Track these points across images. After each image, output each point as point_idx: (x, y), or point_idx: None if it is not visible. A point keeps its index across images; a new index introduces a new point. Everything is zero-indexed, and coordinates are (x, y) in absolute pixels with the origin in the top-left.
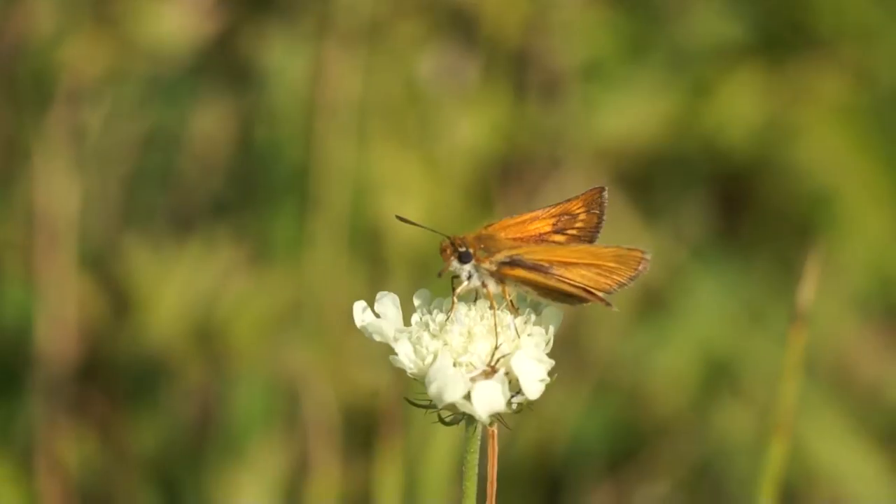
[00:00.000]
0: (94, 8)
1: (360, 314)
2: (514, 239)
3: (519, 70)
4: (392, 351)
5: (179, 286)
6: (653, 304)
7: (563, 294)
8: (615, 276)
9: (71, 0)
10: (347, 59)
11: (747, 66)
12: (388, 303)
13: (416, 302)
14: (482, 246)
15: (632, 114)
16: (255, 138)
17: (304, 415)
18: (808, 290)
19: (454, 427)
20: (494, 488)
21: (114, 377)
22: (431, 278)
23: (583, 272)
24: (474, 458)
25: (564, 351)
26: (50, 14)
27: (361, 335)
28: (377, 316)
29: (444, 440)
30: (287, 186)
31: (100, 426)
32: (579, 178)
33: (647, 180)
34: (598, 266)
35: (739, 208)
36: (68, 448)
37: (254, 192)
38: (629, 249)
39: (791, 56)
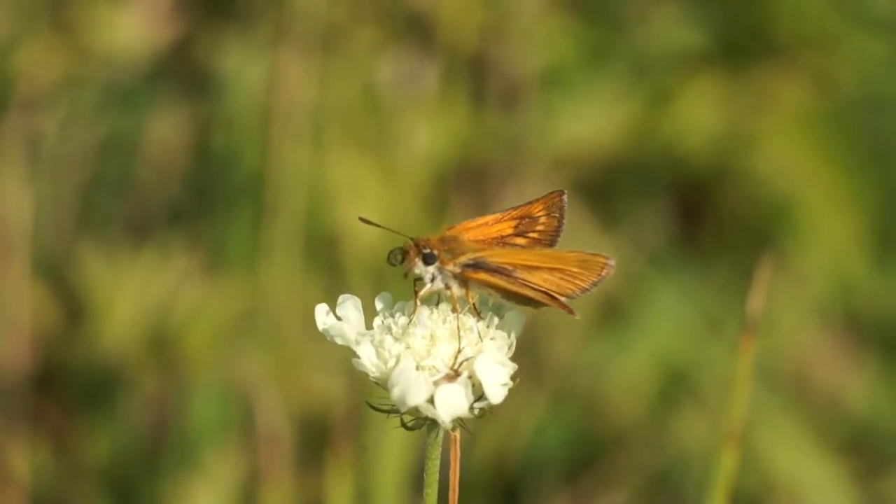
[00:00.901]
0: (51, 14)
1: (323, 317)
2: (477, 241)
3: (478, 77)
4: (354, 354)
5: (134, 294)
6: (611, 312)
7: (526, 298)
8: (578, 281)
9: (27, 6)
10: (304, 65)
11: (707, 73)
12: (349, 306)
13: (378, 305)
14: (446, 248)
15: (591, 121)
16: (211, 145)
17: (257, 424)
18: (759, 300)
19: (408, 435)
20: (457, 495)
21: (68, 386)
22: (389, 285)
23: (546, 276)
24: (436, 465)
25: (522, 358)
26: (5, 20)
27: (318, 343)
28: (339, 319)
29: (398, 449)
30: (243, 193)
31: (54, 435)
32: (538, 186)
33: (607, 188)
34: (561, 270)
35: (699, 216)
36: (22, 457)
37: (210, 199)
38: (593, 255)
39: (751, 63)
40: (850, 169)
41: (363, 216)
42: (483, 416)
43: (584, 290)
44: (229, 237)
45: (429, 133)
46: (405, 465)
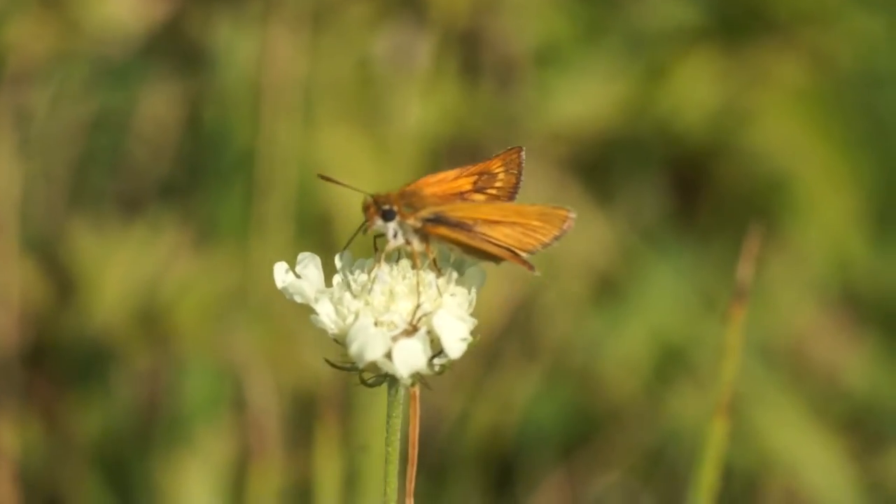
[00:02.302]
0: None
1: (282, 275)
2: (437, 196)
3: (471, 53)
4: (313, 311)
5: (124, 269)
6: (607, 288)
7: (487, 253)
8: (539, 236)
9: None
10: (296, 41)
11: (703, 49)
12: (309, 264)
13: (338, 263)
14: (406, 202)
15: (586, 97)
16: (203, 121)
17: (248, 400)
18: (748, 268)
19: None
20: (416, 451)
21: (58, 362)
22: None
23: (507, 231)
24: (397, 422)
25: (516, 335)
26: None
27: (307, 318)
28: (298, 277)
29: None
30: (235, 169)
31: (44, 411)
32: (533, 162)
33: (603, 164)
34: (522, 225)
35: (695, 192)
36: (13, 434)
37: (201, 175)
38: (554, 208)
39: (747, 40)
40: (848, 145)
41: (322, 174)
42: (443, 373)
43: (545, 245)
44: (220, 213)
45: (421, 109)
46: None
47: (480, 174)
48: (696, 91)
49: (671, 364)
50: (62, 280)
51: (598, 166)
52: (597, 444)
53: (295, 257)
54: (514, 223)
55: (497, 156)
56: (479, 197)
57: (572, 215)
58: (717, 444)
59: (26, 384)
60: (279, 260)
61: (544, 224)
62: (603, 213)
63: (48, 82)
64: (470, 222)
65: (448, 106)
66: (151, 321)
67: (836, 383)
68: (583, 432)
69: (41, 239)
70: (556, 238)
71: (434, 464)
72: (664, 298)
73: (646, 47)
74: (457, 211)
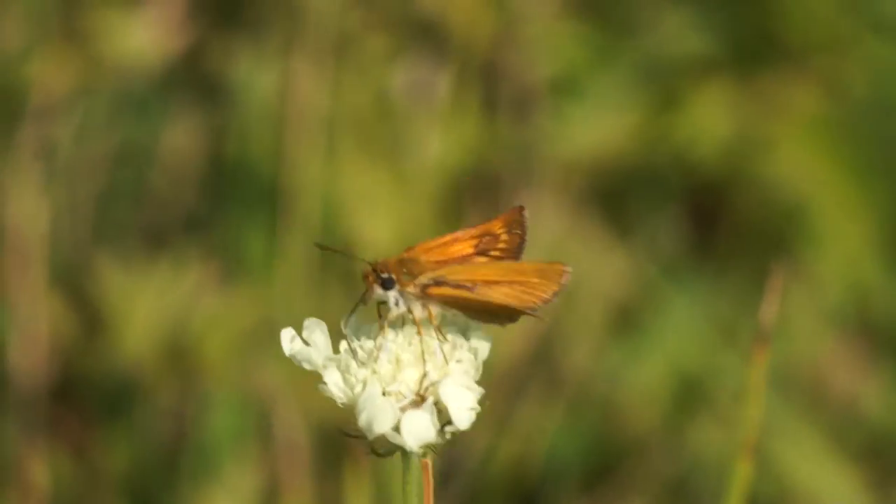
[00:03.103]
0: (63, 23)
1: (289, 343)
2: (437, 262)
3: (489, 84)
4: (321, 381)
5: (151, 303)
6: (626, 320)
7: (490, 311)
8: (538, 292)
9: (39, 16)
10: (317, 73)
11: (718, 78)
12: (316, 330)
13: (345, 330)
14: (404, 270)
15: (602, 127)
16: (225, 154)
17: (275, 434)
18: (771, 309)
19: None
20: None
21: (86, 396)
22: None
23: (506, 290)
24: (411, 491)
25: (538, 368)
26: (18, 30)
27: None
28: (306, 344)
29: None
30: (258, 202)
31: (73, 445)
32: (551, 192)
33: (620, 194)
34: (521, 283)
35: (712, 222)
36: (41, 467)
37: (225, 208)
38: (550, 263)
39: (762, 68)
40: (863, 174)
41: (319, 242)
42: (453, 440)
43: (546, 301)
44: (245, 246)
45: (441, 141)
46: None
47: (482, 236)
48: (711, 120)
49: (691, 395)
50: (89, 314)
51: (615, 196)
52: (619, 476)
53: (319, 290)
54: (512, 282)
55: (498, 216)
56: (481, 260)
57: (568, 269)
58: (743, 483)
59: (54, 418)
60: (303, 292)
61: (543, 280)
62: (621, 244)
63: (71, 116)
64: (469, 284)
65: (467, 138)
66: (178, 355)
67: (854, 412)
68: (605, 463)
69: (68, 273)
70: (556, 294)
71: (459, 497)
72: (683, 329)
73: (660, 76)
74: (455, 274)
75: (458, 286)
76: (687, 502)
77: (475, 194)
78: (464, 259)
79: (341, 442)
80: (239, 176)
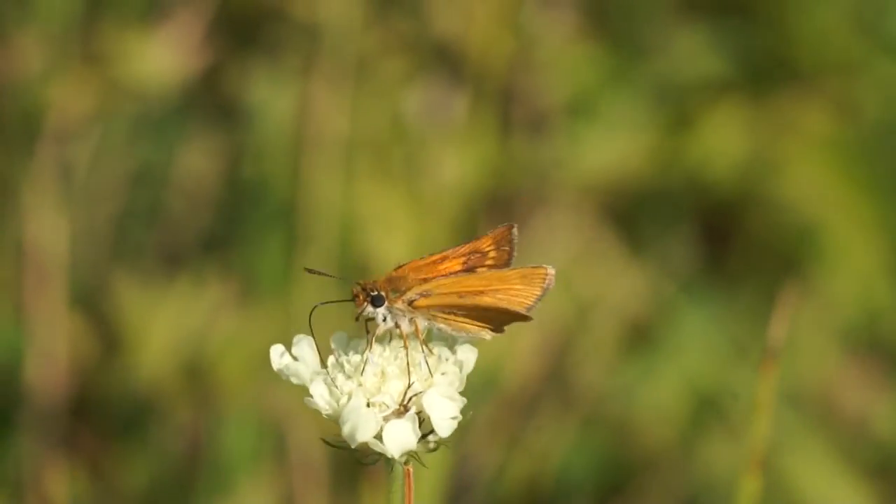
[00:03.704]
0: (82, 46)
1: (278, 358)
2: (424, 279)
3: (504, 106)
4: (308, 393)
5: (168, 323)
6: (639, 337)
7: (478, 318)
8: (522, 298)
9: (58, 39)
10: (334, 95)
11: (730, 99)
12: (304, 346)
13: (333, 345)
14: (392, 287)
15: (616, 148)
16: (242, 175)
17: (290, 452)
18: (781, 327)
19: (440, 458)
20: None
21: (104, 414)
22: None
23: (489, 300)
24: (397, 498)
25: (551, 385)
26: (37, 53)
27: None
28: (295, 359)
29: (430, 472)
30: (275, 222)
31: (91, 462)
32: (565, 212)
33: (633, 214)
34: (505, 291)
35: (725, 241)
36: (59, 485)
37: (242, 228)
38: (533, 268)
39: (774, 89)
40: (875, 194)
41: (309, 267)
42: (436, 450)
43: (530, 307)
44: (262, 266)
45: (457, 162)
46: (438, 489)
47: (471, 253)
48: (724, 141)
49: (704, 412)
50: (108, 333)
51: (629, 216)
52: (632, 492)
53: (335, 310)
54: (496, 290)
55: (487, 234)
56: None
57: (551, 271)
58: (751, 498)
59: (73, 434)
60: (320, 311)
61: (526, 286)
62: (635, 263)
63: (90, 138)
64: (455, 296)
65: (483, 159)
66: (195, 374)
67: (864, 429)
68: (618, 480)
69: (87, 292)
70: (539, 298)
71: None
72: (695, 346)
73: (673, 98)
74: (441, 287)
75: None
76: None
77: (491, 215)
78: (452, 276)
79: (357, 460)
80: (256, 197)
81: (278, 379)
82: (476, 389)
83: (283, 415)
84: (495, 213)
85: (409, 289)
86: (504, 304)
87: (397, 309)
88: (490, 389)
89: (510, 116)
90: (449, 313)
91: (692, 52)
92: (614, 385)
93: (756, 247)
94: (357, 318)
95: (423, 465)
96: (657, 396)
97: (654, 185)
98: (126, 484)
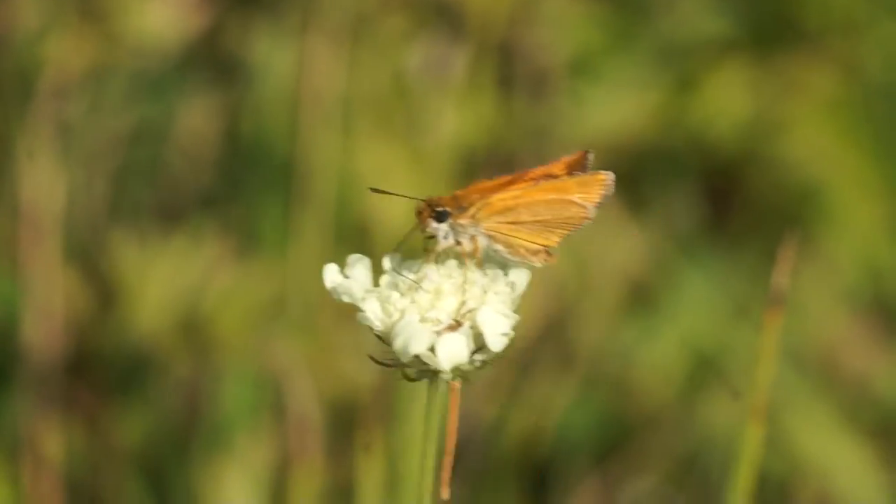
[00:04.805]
0: (80, 2)
1: (332, 276)
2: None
3: (506, 64)
4: (359, 310)
5: (166, 279)
6: (640, 296)
7: (536, 225)
8: (579, 207)
9: None
10: (333, 53)
11: (734, 60)
12: (358, 265)
13: (386, 265)
14: (456, 205)
15: (619, 108)
16: (241, 132)
17: (288, 408)
18: (784, 275)
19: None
20: (454, 442)
21: (101, 370)
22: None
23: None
24: (435, 418)
25: (551, 344)
26: (35, 9)
27: (348, 327)
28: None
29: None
30: (273, 180)
31: (87, 419)
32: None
33: (635, 174)
34: (562, 199)
35: (728, 201)
36: (55, 441)
37: (240, 186)
38: (592, 174)
39: (778, 50)
40: (879, 155)
41: (369, 186)
42: (483, 368)
43: (589, 212)
44: (260, 223)
45: (457, 120)
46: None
47: (542, 178)
48: (727, 101)
49: (704, 371)
50: (104, 290)
51: (631, 176)
52: (631, 451)
53: (334, 266)
54: (554, 198)
55: (561, 159)
56: None
57: (611, 176)
58: (753, 448)
59: (69, 392)
60: (319, 268)
61: (584, 192)
62: (636, 223)
63: (88, 94)
64: (512, 204)
65: (483, 117)
66: (192, 330)
67: (867, 391)
68: (617, 439)
69: (83, 249)
70: (599, 203)
71: (470, 470)
72: (697, 306)
73: (677, 58)
74: (501, 201)
75: (503, 210)
76: (698, 477)
77: (490, 173)
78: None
79: (352, 417)
80: (254, 154)
81: (276, 335)
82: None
83: (281, 371)
84: (495, 171)
85: (472, 205)
86: (558, 220)
87: (459, 225)
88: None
89: (511, 74)
90: (509, 223)
91: (696, 12)
92: (614, 344)
93: (759, 207)
94: (422, 232)
95: (470, 382)
96: (657, 355)
97: (656, 146)
98: (122, 440)
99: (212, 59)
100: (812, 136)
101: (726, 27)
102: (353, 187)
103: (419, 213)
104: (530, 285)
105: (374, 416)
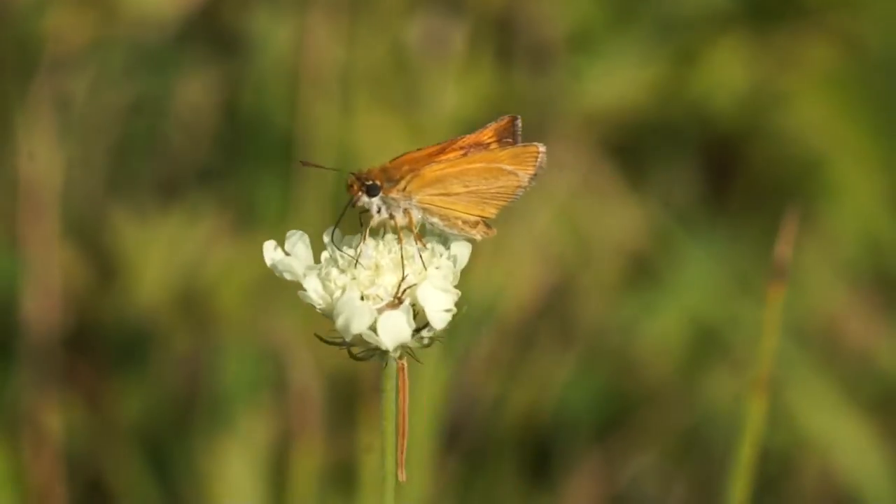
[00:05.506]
0: None
1: (271, 253)
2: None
3: (505, 38)
4: (301, 287)
5: (165, 254)
6: (641, 270)
7: (470, 196)
8: (514, 179)
9: None
10: (332, 26)
11: (734, 33)
12: (297, 241)
13: (326, 239)
14: (387, 177)
15: (619, 82)
16: (240, 106)
17: (288, 383)
18: (787, 247)
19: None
20: (406, 422)
21: (100, 345)
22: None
23: (481, 165)
24: (391, 396)
25: (551, 318)
26: None
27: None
28: (287, 255)
29: (425, 405)
30: (272, 154)
31: (86, 394)
32: (566, 146)
33: (635, 148)
34: (496, 170)
35: (728, 175)
36: (55, 416)
37: (239, 160)
38: (524, 146)
39: (778, 24)
40: (878, 128)
41: (304, 160)
42: (430, 345)
43: (523, 188)
44: (259, 197)
45: (456, 94)
46: (432, 420)
47: (471, 146)
48: (727, 75)
49: (705, 346)
50: (103, 264)
51: (631, 150)
52: (632, 426)
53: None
54: (484, 168)
55: (488, 126)
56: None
57: (542, 149)
58: (755, 420)
59: (68, 367)
60: (318, 242)
61: (517, 165)
62: (636, 196)
63: (87, 68)
64: (442, 175)
65: (482, 91)
66: (191, 305)
67: (868, 364)
68: (618, 415)
69: (82, 223)
70: (533, 177)
71: (470, 447)
72: (697, 280)
73: (677, 31)
74: (434, 171)
75: (434, 181)
76: (700, 452)
77: None
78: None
79: (354, 391)
80: (253, 128)
81: (275, 309)
82: (474, 321)
83: (281, 345)
84: None
85: (402, 177)
86: (494, 192)
87: (391, 199)
88: (489, 321)
89: (511, 48)
90: (442, 194)
91: None
92: (615, 318)
93: (758, 180)
94: (353, 206)
95: (418, 361)
96: (658, 330)
97: (656, 119)
98: (122, 415)
99: (211, 33)
100: (812, 110)
101: (726, 1)
102: (351, 161)
103: (350, 187)
104: (527, 259)
105: (374, 390)
